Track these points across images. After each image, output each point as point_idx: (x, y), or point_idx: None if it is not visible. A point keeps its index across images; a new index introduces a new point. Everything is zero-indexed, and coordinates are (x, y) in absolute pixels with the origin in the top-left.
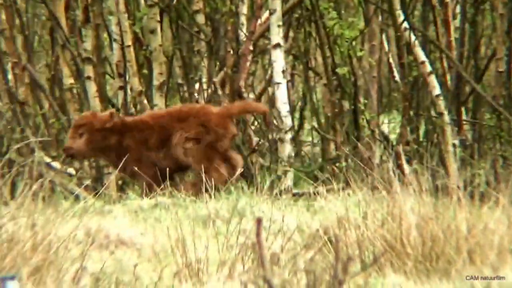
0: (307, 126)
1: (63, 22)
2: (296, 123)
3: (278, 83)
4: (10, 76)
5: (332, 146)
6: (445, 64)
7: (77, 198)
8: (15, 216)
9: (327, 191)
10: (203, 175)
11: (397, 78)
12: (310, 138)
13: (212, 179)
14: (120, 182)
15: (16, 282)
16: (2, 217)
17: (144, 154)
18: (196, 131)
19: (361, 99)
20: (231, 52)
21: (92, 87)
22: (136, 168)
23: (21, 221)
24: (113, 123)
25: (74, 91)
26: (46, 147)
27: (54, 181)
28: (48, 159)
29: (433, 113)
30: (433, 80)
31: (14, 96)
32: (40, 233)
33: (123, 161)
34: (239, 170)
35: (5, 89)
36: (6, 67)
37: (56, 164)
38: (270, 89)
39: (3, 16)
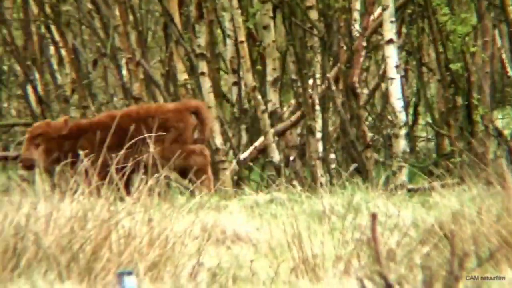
0: (421, 121)
1: (176, 18)
2: (410, 118)
3: (392, 79)
4: (124, 72)
5: (447, 141)
6: None
7: (192, 193)
8: (131, 211)
9: (442, 186)
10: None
11: (510, 73)
12: (424, 134)
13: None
14: (235, 177)
15: (133, 278)
16: (118, 213)
17: (99, 155)
18: (158, 134)
19: (475, 95)
20: (344, 47)
21: (206, 83)
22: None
23: (138, 216)
24: (69, 130)
25: (188, 86)
26: None
27: (169, 177)
28: None
29: None
30: None
31: (129, 91)
32: (157, 228)
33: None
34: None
35: (120, 84)
36: (121, 63)
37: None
38: (383, 85)
39: (117, 12)
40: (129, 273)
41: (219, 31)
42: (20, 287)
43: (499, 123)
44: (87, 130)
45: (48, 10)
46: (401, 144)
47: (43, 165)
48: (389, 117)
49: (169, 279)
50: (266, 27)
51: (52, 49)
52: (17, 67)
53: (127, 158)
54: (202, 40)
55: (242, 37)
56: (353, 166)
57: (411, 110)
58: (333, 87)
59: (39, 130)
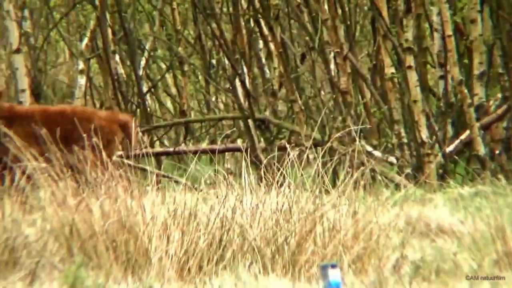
0: None
1: (384, 12)
2: None
3: None
4: (332, 66)
5: None
6: None
7: (397, 186)
8: (336, 204)
9: None
10: None
11: None
12: None
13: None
14: (441, 170)
15: (337, 270)
16: (324, 205)
17: (31, 147)
18: (90, 139)
19: None
20: None
21: (413, 77)
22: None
23: (343, 209)
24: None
25: (395, 80)
26: (367, 136)
27: (375, 170)
28: (369, 148)
29: None
30: None
31: (336, 85)
32: (361, 221)
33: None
34: None
35: (327, 78)
36: (329, 57)
37: (377, 153)
38: None
39: (326, 6)
40: (333, 266)
41: (426, 25)
42: (225, 279)
43: None
44: (21, 118)
45: (257, 4)
46: None
47: None
48: None
49: (372, 272)
50: (473, 21)
51: (260, 43)
52: (226, 61)
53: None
54: (409, 34)
55: (449, 31)
56: None
57: None
58: None
59: None
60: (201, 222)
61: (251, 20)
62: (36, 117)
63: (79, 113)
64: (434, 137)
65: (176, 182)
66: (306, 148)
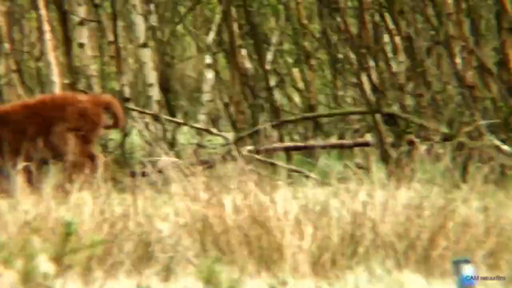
0: None
1: (508, 6)
2: None
3: None
4: (458, 60)
5: None
6: None
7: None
8: (467, 199)
9: None
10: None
11: None
12: None
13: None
14: None
15: (471, 266)
16: (455, 200)
17: (23, 146)
18: (76, 121)
19: None
20: None
21: None
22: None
23: (474, 204)
24: None
25: None
26: (495, 130)
27: (504, 164)
28: (498, 142)
29: None
30: None
31: (463, 79)
32: (493, 216)
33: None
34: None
35: (453, 72)
36: (455, 51)
37: (506, 147)
38: None
39: (450, 0)
40: (466, 261)
41: None
42: (359, 274)
43: None
44: (4, 119)
45: None
46: None
47: None
48: None
49: (506, 268)
50: None
51: (386, 36)
52: (352, 55)
53: (48, 146)
54: None
55: None
56: None
57: None
58: None
59: None
60: (333, 217)
61: (376, 14)
62: (20, 115)
63: (59, 99)
64: None
65: (307, 176)
66: (435, 142)
